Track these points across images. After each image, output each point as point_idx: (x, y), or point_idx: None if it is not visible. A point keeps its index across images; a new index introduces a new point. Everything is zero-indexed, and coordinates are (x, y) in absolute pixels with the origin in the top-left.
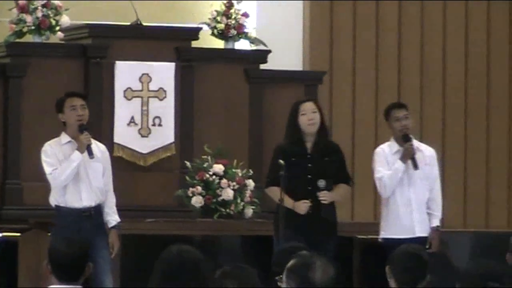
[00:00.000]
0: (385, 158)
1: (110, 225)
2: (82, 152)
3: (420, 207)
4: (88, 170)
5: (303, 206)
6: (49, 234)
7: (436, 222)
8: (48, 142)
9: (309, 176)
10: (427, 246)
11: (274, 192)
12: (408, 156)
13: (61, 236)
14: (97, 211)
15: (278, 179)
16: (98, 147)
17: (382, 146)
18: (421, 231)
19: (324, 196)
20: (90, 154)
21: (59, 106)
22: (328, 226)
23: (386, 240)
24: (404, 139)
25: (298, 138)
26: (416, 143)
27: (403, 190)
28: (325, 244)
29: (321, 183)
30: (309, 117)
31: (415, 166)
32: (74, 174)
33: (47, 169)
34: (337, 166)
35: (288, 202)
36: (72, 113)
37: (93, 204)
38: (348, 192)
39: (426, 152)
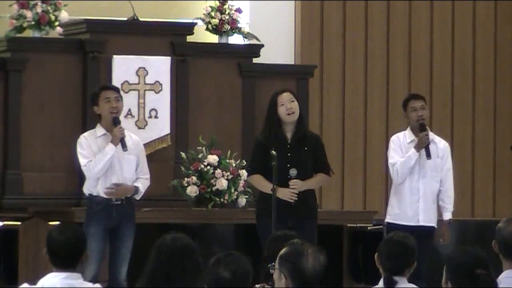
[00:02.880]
0: (400, 146)
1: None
2: (115, 145)
3: (427, 197)
4: (122, 162)
5: (287, 192)
6: (49, 222)
7: (448, 216)
8: (84, 134)
9: (288, 165)
10: (440, 240)
11: (256, 180)
12: (422, 145)
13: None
14: (128, 202)
15: (260, 168)
16: (131, 139)
17: (397, 134)
18: (424, 221)
19: (295, 185)
20: (124, 147)
21: (94, 99)
22: (306, 211)
23: (390, 224)
24: (420, 129)
25: (277, 129)
26: (431, 135)
27: (413, 179)
28: (305, 226)
29: (293, 171)
30: (287, 106)
31: (428, 155)
32: (108, 166)
33: (82, 160)
34: (317, 157)
35: (270, 187)
36: (106, 105)
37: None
38: (325, 180)
39: (439, 145)
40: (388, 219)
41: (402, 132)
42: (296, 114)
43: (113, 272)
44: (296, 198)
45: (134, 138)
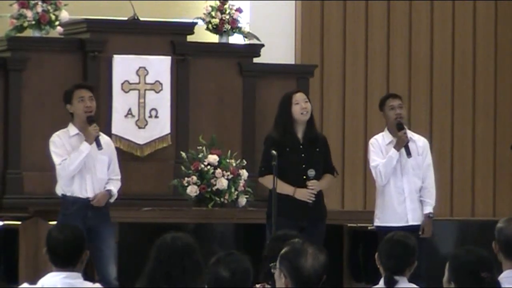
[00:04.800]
0: (380, 148)
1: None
2: (90, 144)
3: (412, 195)
4: (95, 161)
5: (305, 193)
6: (49, 222)
7: (429, 209)
8: (57, 133)
9: (303, 166)
10: (420, 233)
11: (270, 180)
12: (402, 144)
13: (63, 224)
14: None
15: (272, 167)
16: (103, 139)
17: (375, 137)
18: (413, 219)
19: (313, 185)
20: (99, 145)
21: (67, 97)
22: (319, 212)
23: (380, 228)
24: (398, 128)
25: (290, 128)
26: (409, 133)
27: (396, 179)
28: (317, 227)
29: (311, 172)
30: (302, 106)
31: (408, 154)
32: (82, 165)
33: (56, 159)
34: (324, 157)
35: (288, 188)
36: (80, 104)
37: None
38: (332, 182)
39: (418, 142)
40: (377, 223)
41: (380, 134)
42: (309, 114)
43: (102, 273)
44: (314, 199)
45: (106, 138)
